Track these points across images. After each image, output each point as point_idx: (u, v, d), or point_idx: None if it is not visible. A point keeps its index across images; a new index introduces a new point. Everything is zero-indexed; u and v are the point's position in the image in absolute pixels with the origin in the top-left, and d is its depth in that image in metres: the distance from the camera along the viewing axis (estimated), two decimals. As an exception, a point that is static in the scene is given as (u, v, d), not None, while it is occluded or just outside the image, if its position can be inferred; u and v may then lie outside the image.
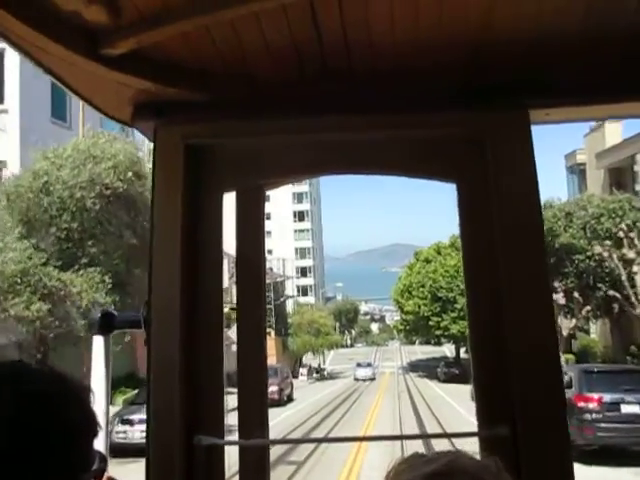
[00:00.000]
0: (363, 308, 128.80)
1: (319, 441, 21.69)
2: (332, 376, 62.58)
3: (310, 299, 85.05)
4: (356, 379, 54.45)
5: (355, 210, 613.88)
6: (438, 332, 52.02)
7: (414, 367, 68.04)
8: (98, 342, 1.87)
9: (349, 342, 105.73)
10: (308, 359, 65.73)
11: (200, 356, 1.81)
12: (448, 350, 77.20)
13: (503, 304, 1.71)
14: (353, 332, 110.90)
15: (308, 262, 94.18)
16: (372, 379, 54.31)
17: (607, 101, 1.79)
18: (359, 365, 59.96)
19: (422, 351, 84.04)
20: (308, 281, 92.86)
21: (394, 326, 69.49)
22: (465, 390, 28.63)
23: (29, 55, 1.53)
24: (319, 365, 64.14)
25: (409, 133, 1.87)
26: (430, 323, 51.89)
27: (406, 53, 1.72)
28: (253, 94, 1.82)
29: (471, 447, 1.07)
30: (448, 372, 49.00)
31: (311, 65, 1.77)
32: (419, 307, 53.07)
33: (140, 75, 1.68)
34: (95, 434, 1.04)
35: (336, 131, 1.84)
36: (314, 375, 59.17)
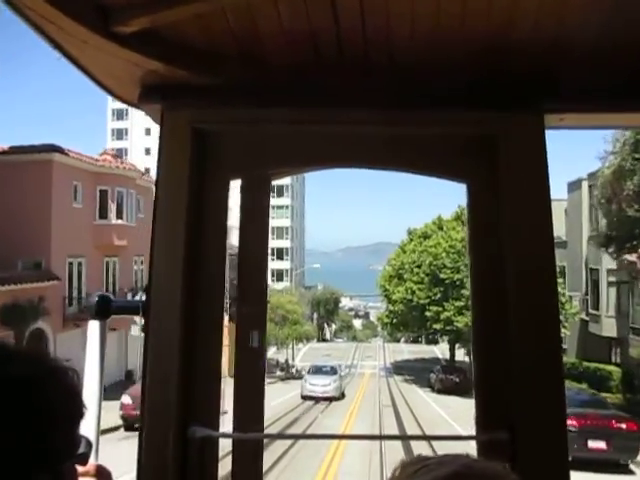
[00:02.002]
0: (348, 304, 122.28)
1: (309, 437, 19.98)
2: (302, 375, 50.88)
3: (286, 285, 72.37)
4: (304, 397, 31.29)
5: (345, 206, 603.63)
6: (437, 326, 39.51)
7: (399, 369, 56.03)
8: (93, 327, 1.75)
9: (329, 336, 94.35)
10: (274, 353, 53.58)
11: (198, 346, 1.75)
12: (439, 350, 65.61)
13: (509, 308, 1.67)
14: (334, 326, 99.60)
15: (285, 243, 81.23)
16: (334, 399, 30.83)
17: (625, 110, 1.72)
18: (316, 371, 34.98)
19: (409, 350, 71.83)
20: (284, 265, 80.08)
21: (378, 318, 57.24)
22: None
23: (39, 28, 1.45)
24: (286, 361, 51.81)
25: (421, 130, 1.81)
26: (427, 314, 39.36)
27: (424, 46, 1.65)
28: (265, 81, 1.76)
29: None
30: (445, 379, 36.65)
31: (327, 53, 1.69)
32: (412, 293, 40.57)
33: (151, 55, 1.61)
34: (78, 418, 0.98)
35: (347, 124, 1.78)
36: (278, 373, 46.96)
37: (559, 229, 42.91)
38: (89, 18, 1.44)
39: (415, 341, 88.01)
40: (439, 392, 35.67)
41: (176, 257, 1.71)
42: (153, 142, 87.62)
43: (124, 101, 1.89)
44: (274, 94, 1.75)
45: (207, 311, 1.77)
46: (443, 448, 0.99)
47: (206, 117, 1.76)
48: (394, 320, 48.44)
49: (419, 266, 40.44)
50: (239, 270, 1.89)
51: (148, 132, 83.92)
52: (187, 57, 1.66)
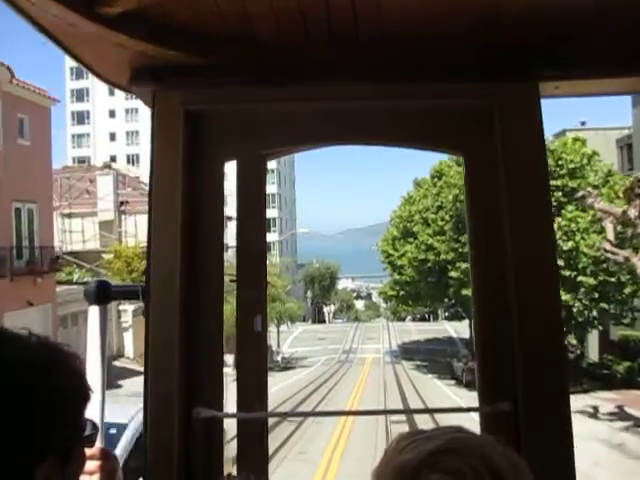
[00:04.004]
0: (350, 285, 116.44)
1: (314, 415, 21.21)
2: (290, 363, 40.17)
3: (274, 260, 60.84)
4: None
5: (342, 187, 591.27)
6: (468, 291, 28.02)
7: (408, 352, 45.11)
8: (94, 312, 1.72)
9: (328, 318, 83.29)
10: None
11: (199, 328, 1.74)
12: (452, 328, 54.43)
13: (510, 277, 1.65)
14: (332, 306, 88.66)
15: (272, 212, 69.62)
16: None
17: (619, 75, 1.70)
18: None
19: (418, 329, 60.40)
20: (272, 237, 68.41)
21: (380, 292, 45.87)
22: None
23: (23, 12, 1.41)
24: (269, 347, 40.63)
25: (416, 103, 1.77)
26: (451, 275, 27.83)
27: (415, 18, 1.61)
28: (256, 59, 1.72)
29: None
30: (478, 368, 25.24)
31: (317, 28, 1.65)
32: (427, 250, 29.04)
33: (139, 36, 1.57)
34: (84, 401, 0.99)
35: (341, 99, 1.74)
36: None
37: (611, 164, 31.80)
38: (74, 0, 1.38)
39: (423, 319, 76.87)
40: (469, 387, 24.43)
41: (174, 239, 1.67)
42: (117, 103, 76.20)
43: (115, 85, 1.83)
44: (266, 72, 1.70)
45: (207, 292, 1.74)
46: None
47: (198, 98, 1.72)
48: (401, 292, 37.17)
49: (437, 211, 28.95)
50: (237, 254, 1.85)
51: (112, 92, 72.19)
52: (176, 37, 1.61)
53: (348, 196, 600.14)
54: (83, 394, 0.98)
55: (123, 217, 35.80)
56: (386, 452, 0.87)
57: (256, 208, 1.87)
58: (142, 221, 36.20)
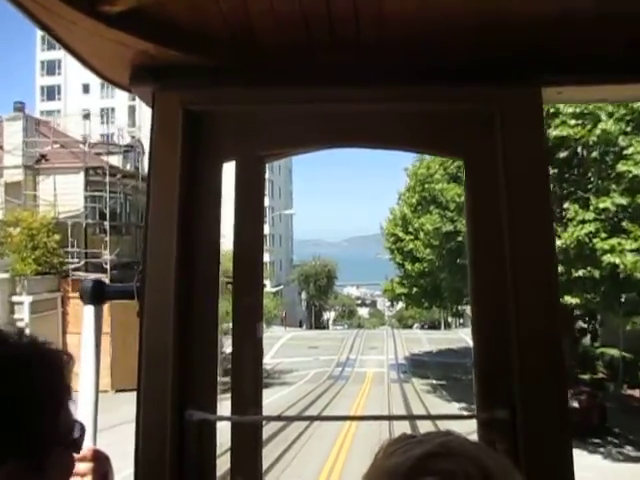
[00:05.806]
0: (354, 293, 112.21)
1: (313, 419, 21.00)
2: (269, 378, 31.15)
3: (265, 256, 51.07)
4: None
5: (349, 195, 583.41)
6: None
7: (420, 366, 35.51)
8: (89, 312, 1.71)
9: (327, 324, 73.42)
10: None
11: (194, 330, 1.71)
12: (469, 337, 44.28)
13: (508, 286, 1.64)
14: (333, 312, 78.91)
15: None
16: None
17: (622, 82, 1.68)
18: None
19: (429, 338, 50.27)
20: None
21: (385, 290, 36.00)
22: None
23: (25, 9, 1.40)
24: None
25: (417, 107, 1.76)
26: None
27: (417, 21, 1.59)
28: (257, 60, 1.71)
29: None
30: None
31: (318, 30, 1.64)
32: (459, 214, 19.38)
33: (140, 35, 1.56)
34: (64, 402, 0.94)
35: (342, 102, 1.73)
36: (222, 379, 26.01)
37: None
38: None
39: (432, 327, 66.84)
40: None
41: (170, 239, 1.64)
42: (92, 77, 66.75)
43: (115, 84, 1.81)
44: (267, 74, 1.69)
45: (202, 295, 1.70)
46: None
47: (198, 98, 1.70)
48: (413, 288, 27.37)
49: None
50: (234, 258, 1.82)
51: (86, 64, 62.86)
52: (177, 37, 1.59)
53: (354, 204, 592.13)
54: (63, 395, 0.90)
55: (40, 178, 26.03)
56: (376, 457, 0.85)
57: (254, 210, 1.86)
58: (63, 183, 26.53)
